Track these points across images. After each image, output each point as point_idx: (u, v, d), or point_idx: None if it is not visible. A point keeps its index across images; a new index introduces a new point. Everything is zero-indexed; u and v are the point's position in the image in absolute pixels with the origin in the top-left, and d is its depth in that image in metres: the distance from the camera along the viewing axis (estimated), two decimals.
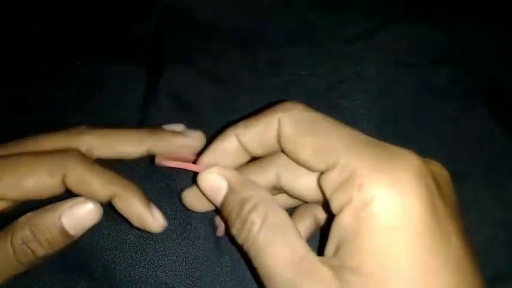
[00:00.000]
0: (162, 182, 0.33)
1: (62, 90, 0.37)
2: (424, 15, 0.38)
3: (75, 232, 0.25)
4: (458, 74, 0.36)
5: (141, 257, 0.31)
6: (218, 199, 0.24)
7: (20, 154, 0.26)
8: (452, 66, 0.37)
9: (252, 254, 0.22)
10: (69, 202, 0.25)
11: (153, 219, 0.26)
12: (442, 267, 0.19)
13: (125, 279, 0.31)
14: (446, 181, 0.22)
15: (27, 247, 0.24)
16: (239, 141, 0.25)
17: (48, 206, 0.25)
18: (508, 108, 0.35)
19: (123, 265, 0.31)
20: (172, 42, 0.38)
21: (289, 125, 0.23)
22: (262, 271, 0.21)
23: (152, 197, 0.33)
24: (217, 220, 0.30)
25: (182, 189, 0.29)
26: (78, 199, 0.25)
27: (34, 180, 0.25)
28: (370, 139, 0.22)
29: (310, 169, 0.23)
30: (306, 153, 0.22)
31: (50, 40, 0.39)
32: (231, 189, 0.24)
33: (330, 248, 0.21)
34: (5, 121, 0.35)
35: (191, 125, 0.35)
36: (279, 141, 0.24)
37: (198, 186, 0.25)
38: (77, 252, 0.31)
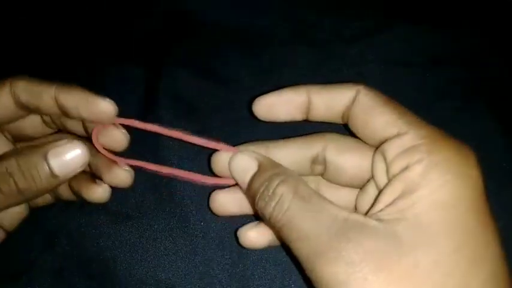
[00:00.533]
0: (161, 181, 0.33)
1: None
2: (424, 15, 0.38)
3: (60, 172, 0.26)
4: (458, 74, 0.36)
5: (141, 257, 0.31)
6: (246, 179, 0.25)
7: None
8: (452, 66, 0.37)
9: (284, 225, 0.22)
10: (57, 142, 0.26)
11: (104, 102, 0.27)
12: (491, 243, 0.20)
13: (125, 279, 0.31)
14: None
15: (10, 176, 0.24)
16: (308, 97, 0.26)
17: (36, 145, 0.26)
18: (508, 108, 0.35)
19: (123, 265, 0.31)
20: (173, 42, 0.38)
21: (368, 95, 0.24)
22: (298, 240, 0.21)
23: (151, 196, 0.33)
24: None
25: (181, 188, 0.29)
26: (66, 141, 0.26)
27: None
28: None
29: (375, 137, 0.24)
30: (379, 120, 0.23)
31: (49, 40, 0.39)
32: (260, 168, 0.24)
33: (382, 202, 0.21)
34: None
35: (191, 124, 0.35)
36: (347, 110, 0.25)
37: (228, 167, 0.26)
38: (76, 252, 0.31)
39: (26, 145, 0.28)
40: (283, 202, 0.22)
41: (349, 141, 0.26)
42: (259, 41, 0.38)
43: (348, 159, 0.26)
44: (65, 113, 0.27)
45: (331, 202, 0.22)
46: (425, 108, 0.35)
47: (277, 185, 0.23)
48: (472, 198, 0.21)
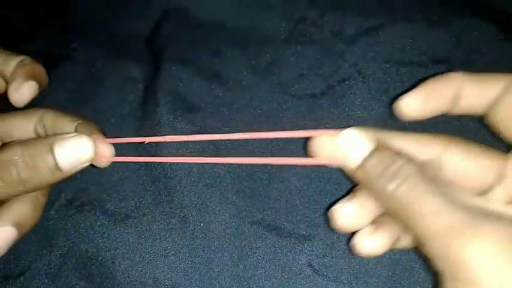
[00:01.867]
0: (160, 181, 0.33)
1: (61, 89, 0.37)
2: (424, 13, 0.38)
3: (65, 165, 0.25)
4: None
5: (140, 257, 0.31)
6: (360, 156, 0.23)
7: None
8: (453, 65, 0.36)
9: (410, 203, 0.21)
10: (64, 135, 0.26)
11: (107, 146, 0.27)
12: None
13: (124, 280, 0.31)
14: None
15: (14, 166, 0.24)
16: (462, 86, 0.24)
17: (43, 136, 0.26)
18: None
19: (122, 266, 0.31)
20: (172, 40, 0.38)
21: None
22: (427, 219, 0.20)
23: (150, 196, 0.33)
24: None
25: (181, 189, 0.29)
26: (74, 134, 0.26)
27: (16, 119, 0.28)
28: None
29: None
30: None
31: (48, 38, 0.39)
32: (380, 147, 0.23)
33: None
34: None
35: (191, 123, 0.35)
36: (491, 104, 0.24)
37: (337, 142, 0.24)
38: (76, 252, 0.31)
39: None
40: (411, 181, 0.21)
41: (473, 146, 0.25)
42: (260, 40, 0.38)
43: (472, 165, 0.24)
44: None
45: (460, 187, 0.21)
46: None
47: (403, 164, 0.21)
48: None
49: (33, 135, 0.29)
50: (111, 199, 0.33)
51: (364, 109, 0.35)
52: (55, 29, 0.40)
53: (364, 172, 0.23)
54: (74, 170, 0.26)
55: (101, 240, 0.31)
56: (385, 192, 0.22)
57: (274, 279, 0.31)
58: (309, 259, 0.31)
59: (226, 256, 0.31)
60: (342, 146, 0.23)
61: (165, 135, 0.33)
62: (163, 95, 0.35)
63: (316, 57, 0.37)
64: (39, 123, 0.28)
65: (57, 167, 0.25)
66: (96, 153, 0.26)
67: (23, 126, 0.28)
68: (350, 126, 0.32)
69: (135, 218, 0.32)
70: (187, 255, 0.31)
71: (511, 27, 0.37)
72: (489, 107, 0.24)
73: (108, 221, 0.32)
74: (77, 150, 0.25)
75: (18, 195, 0.27)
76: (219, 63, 0.37)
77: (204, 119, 0.35)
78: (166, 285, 0.30)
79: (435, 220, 0.20)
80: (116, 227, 0.32)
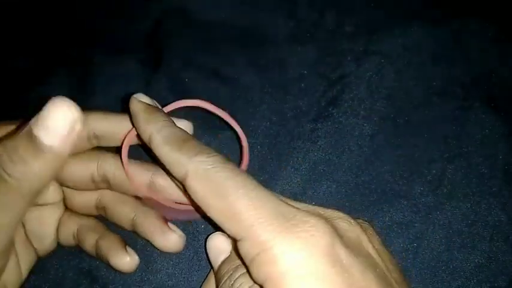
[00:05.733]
0: None
1: (61, 88, 0.37)
2: (424, 13, 0.38)
3: (50, 141, 0.22)
4: (458, 72, 0.36)
5: (141, 259, 0.31)
6: (218, 261, 0.25)
7: None
8: (452, 65, 0.36)
9: None
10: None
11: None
12: None
13: (125, 281, 0.30)
14: (354, 233, 0.23)
15: None
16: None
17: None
18: (508, 107, 0.35)
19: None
20: (173, 39, 0.38)
21: (198, 181, 0.21)
22: None
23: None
24: None
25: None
26: (47, 103, 0.22)
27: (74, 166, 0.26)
28: (281, 205, 0.21)
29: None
30: (215, 216, 0.21)
31: (48, 37, 0.39)
32: (231, 254, 0.24)
33: None
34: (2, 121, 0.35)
35: (191, 122, 0.34)
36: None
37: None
38: (77, 254, 0.31)
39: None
40: None
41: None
42: (261, 39, 0.38)
43: None
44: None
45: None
46: (425, 107, 0.35)
47: (238, 277, 0.22)
48: (316, 277, 0.19)
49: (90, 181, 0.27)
50: None
51: (364, 108, 0.35)
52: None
53: (217, 277, 0.24)
54: (69, 143, 0.22)
55: None
56: None
57: None
58: None
59: None
60: (209, 247, 0.26)
61: None
62: (164, 93, 0.35)
63: (317, 56, 0.37)
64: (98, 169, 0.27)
65: (46, 147, 0.22)
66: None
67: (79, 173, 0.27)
68: (350, 127, 0.32)
69: None
70: (189, 256, 0.31)
71: (511, 27, 0.37)
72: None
73: (109, 222, 0.32)
74: (56, 117, 0.22)
75: (26, 205, 0.24)
76: (219, 61, 0.37)
77: (204, 117, 0.35)
78: (169, 287, 0.30)
79: None
80: (118, 229, 0.31)
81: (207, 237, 0.31)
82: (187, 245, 0.31)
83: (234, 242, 0.22)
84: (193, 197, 0.22)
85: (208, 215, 0.22)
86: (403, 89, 0.36)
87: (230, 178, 0.21)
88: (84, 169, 0.27)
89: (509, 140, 0.34)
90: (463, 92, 0.35)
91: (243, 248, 0.21)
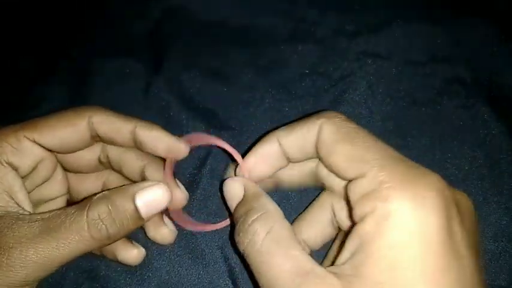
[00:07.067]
0: None
1: (61, 88, 0.37)
2: (425, 12, 0.38)
3: (145, 214, 0.25)
4: (459, 72, 0.36)
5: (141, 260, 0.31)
6: (233, 205, 0.25)
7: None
8: (453, 64, 0.36)
9: (253, 263, 0.22)
10: (142, 184, 0.26)
11: (179, 143, 0.28)
12: (450, 287, 0.19)
13: (125, 281, 0.30)
14: (468, 210, 0.23)
15: (102, 223, 0.24)
16: (280, 144, 0.26)
17: (123, 187, 0.26)
18: (508, 106, 0.35)
19: (125, 268, 0.31)
20: (173, 39, 0.38)
21: (329, 131, 0.24)
22: (263, 281, 0.22)
23: None
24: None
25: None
26: (150, 182, 0.26)
27: (64, 124, 0.27)
28: (401, 156, 0.22)
29: (340, 176, 0.23)
30: (339, 159, 0.23)
31: (48, 37, 0.39)
32: (244, 198, 0.25)
33: (344, 254, 0.21)
34: (2, 121, 0.35)
35: (191, 121, 0.35)
36: (316, 147, 0.24)
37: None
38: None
39: (112, 188, 0.27)
40: (255, 240, 0.22)
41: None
42: (261, 39, 0.38)
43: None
44: (139, 146, 0.28)
45: (299, 246, 0.22)
46: (425, 106, 0.35)
47: (253, 221, 0.23)
48: (427, 257, 0.19)
49: (85, 137, 0.28)
50: None
51: (365, 107, 0.35)
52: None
53: (235, 221, 0.25)
54: (153, 217, 0.26)
55: None
56: (239, 248, 0.23)
57: None
58: None
59: (227, 256, 0.31)
60: (225, 195, 0.26)
61: None
62: (164, 92, 0.35)
63: (317, 55, 0.37)
64: (88, 125, 0.28)
65: (140, 217, 0.25)
66: (172, 199, 0.26)
67: (71, 137, 0.28)
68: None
69: None
70: (189, 256, 0.31)
71: (511, 27, 0.37)
72: (315, 151, 0.25)
73: None
74: (156, 199, 0.26)
75: (101, 248, 0.27)
76: (220, 61, 0.37)
77: (203, 117, 0.35)
78: (170, 286, 0.30)
79: (266, 286, 0.22)
80: None
81: (206, 237, 0.31)
82: (187, 243, 0.31)
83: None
84: (323, 144, 0.24)
85: (328, 159, 0.23)
86: (403, 89, 0.36)
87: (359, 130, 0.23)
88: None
89: (509, 139, 0.34)
90: (464, 91, 0.35)
91: (357, 185, 0.21)
